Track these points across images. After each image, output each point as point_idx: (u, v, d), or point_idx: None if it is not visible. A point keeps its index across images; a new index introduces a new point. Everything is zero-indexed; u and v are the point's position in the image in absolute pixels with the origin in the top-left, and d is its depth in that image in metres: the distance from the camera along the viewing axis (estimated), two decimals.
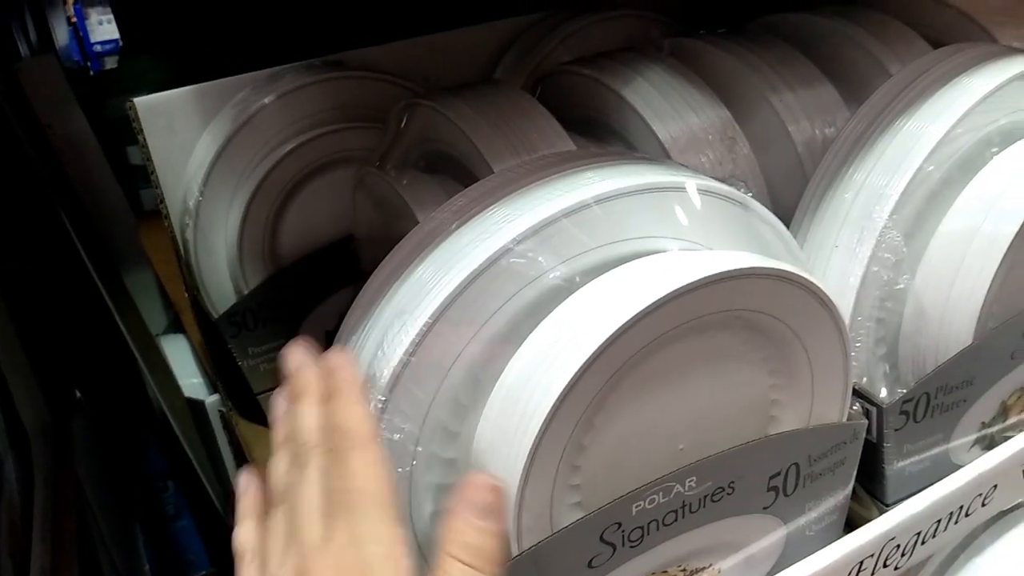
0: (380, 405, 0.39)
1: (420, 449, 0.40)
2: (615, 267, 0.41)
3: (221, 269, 0.65)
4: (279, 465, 0.36)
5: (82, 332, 0.98)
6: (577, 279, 0.41)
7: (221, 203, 0.64)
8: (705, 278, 0.38)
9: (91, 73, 0.91)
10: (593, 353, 0.36)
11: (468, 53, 0.75)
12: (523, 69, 0.74)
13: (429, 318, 0.39)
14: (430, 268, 0.42)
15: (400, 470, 0.40)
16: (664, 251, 0.43)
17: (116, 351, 0.92)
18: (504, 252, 0.41)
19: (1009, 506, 0.59)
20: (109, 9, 0.86)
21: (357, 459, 0.33)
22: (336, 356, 0.38)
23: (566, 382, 0.36)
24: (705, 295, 0.39)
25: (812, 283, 0.42)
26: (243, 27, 0.91)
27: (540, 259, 0.41)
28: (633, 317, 0.36)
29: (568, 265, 0.41)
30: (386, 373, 0.38)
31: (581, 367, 0.36)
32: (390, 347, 0.39)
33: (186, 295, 0.65)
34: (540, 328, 0.40)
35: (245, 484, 0.38)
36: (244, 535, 0.36)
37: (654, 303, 0.37)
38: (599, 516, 0.40)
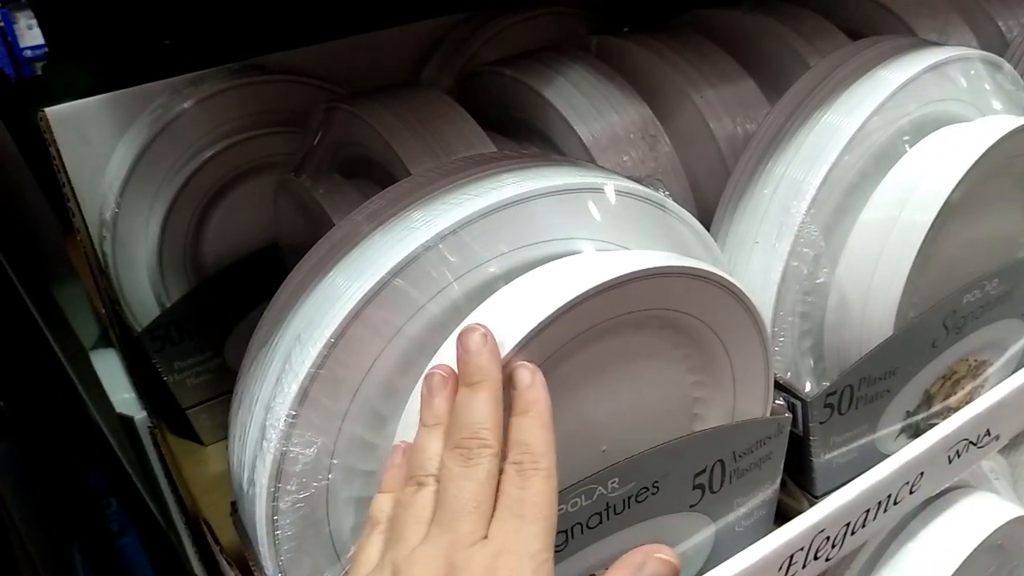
0: (290, 420, 0.38)
1: (336, 462, 0.39)
2: (531, 270, 0.41)
3: (142, 282, 0.64)
4: (432, 443, 0.35)
5: (8, 347, 0.95)
6: (493, 283, 0.40)
7: (139, 214, 0.62)
8: (615, 279, 0.37)
9: (12, 80, 0.88)
10: (502, 360, 0.36)
11: (394, 54, 0.74)
12: (450, 69, 0.73)
13: (338, 328, 0.38)
14: (342, 275, 0.41)
15: (316, 484, 0.39)
16: (580, 252, 0.42)
17: (48, 367, 0.90)
18: (418, 256, 0.40)
19: (937, 492, 0.60)
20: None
21: (540, 481, 0.34)
22: (536, 371, 0.36)
23: None
24: (617, 296, 0.38)
25: (727, 280, 0.42)
26: (169, 32, 0.89)
27: (455, 263, 0.40)
28: (540, 324, 0.36)
29: (484, 269, 0.41)
30: (294, 388, 0.37)
31: None
32: (298, 360, 0.38)
33: (103, 310, 0.63)
34: (453, 335, 0.39)
35: (399, 458, 0.37)
36: (382, 504, 0.36)
37: (562, 307, 0.36)
38: None
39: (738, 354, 0.45)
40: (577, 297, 0.37)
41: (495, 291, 0.40)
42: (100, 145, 0.63)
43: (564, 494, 0.40)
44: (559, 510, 0.40)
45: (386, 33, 0.74)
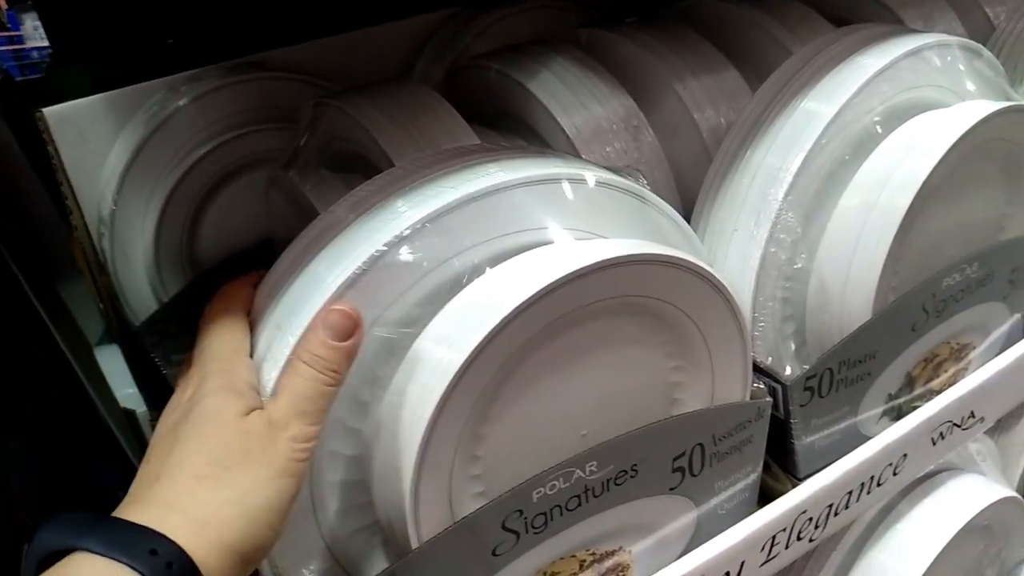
0: None
1: (319, 447, 0.40)
2: (509, 258, 0.42)
3: (140, 277, 0.65)
4: None
5: (15, 345, 0.96)
6: (472, 271, 0.41)
7: (136, 211, 0.63)
8: (589, 266, 0.38)
9: (16, 81, 0.90)
10: (476, 347, 0.37)
11: (387, 49, 0.75)
12: (441, 64, 0.74)
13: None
14: (324, 262, 0.42)
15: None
16: (558, 241, 0.43)
17: (54, 364, 0.91)
18: (399, 244, 0.41)
19: (921, 474, 0.60)
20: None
21: None
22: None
23: (451, 375, 0.37)
24: (592, 283, 0.39)
25: (701, 267, 0.42)
26: (172, 32, 0.90)
27: (435, 251, 0.41)
28: (515, 310, 0.37)
29: (463, 257, 0.42)
30: (273, 375, 0.38)
31: (466, 360, 0.37)
32: (278, 348, 0.39)
33: (101, 306, 0.65)
34: (432, 323, 0.40)
35: None
36: None
37: (536, 294, 0.37)
38: (499, 504, 0.40)
39: (715, 340, 0.46)
40: (551, 284, 0.38)
41: (474, 279, 0.41)
42: (98, 144, 0.64)
43: (543, 477, 0.41)
44: (537, 493, 0.41)
45: (379, 29, 0.74)
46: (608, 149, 0.56)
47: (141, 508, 0.34)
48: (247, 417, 0.37)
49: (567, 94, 0.57)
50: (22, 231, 0.94)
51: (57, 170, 0.62)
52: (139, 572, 0.31)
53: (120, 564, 0.31)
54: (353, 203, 0.44)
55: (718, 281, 0.43)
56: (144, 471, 0.36)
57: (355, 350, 0.38)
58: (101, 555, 0.31)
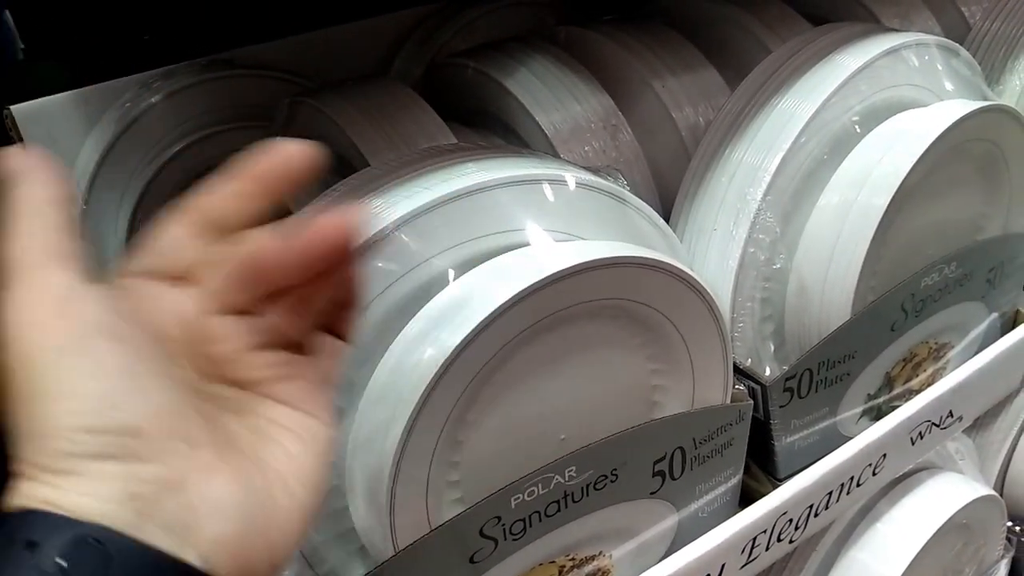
0: None
1: None
2: (486, 260, 0.41)
3: (111, 279, 0.64)
4: None
5: None
6: (448, 272, 0.41)
7: (108, 210, 0.62)
8: (566, 269, 0.38)
9: None
10: (453, 351, 0.36)
11: (365, 46, 0.74)
12: (420, 61, 0.73)
13: None
14: None
15: None
16: (536, 243, 0.42)
17: None
18: (375, 243, 0.40)
19: (900, 473, 0.60)
20: None
21: None
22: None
23: (428, 380, 0.36)
24: (569, 286, 0.39)
25: (680, 269, 0.42)
26: (147, 28, 0.89)
27: (412, 251, 0.41)
28: (492, 314, 0.36)
29: (441, 258, 0.41)
30: None
31: (443, 365, 0.36)
32: None
33: None
34: (408, 327, 0.39)
35: None
36: None
37: (514, 298, 0.37)
38: (476, 511, 0.40)
39: (695, 342, 0.46)
40: (530, 287, 0.37)
41: (451, 282, 0.40)
42: (68, 142, 0.63)
43: (521, 483, 0.41)
44: (516, 499, 0.41)
45: (356, 26, 0.74)
46: (587, 148, 0.55)
47: None
48: None
49: (545, 92, 0.57)
50: None
51: None
52: None
53: None
54: (328, 203, 0.43)
55: (698, 283, 0.43)
56: None
57: None
58: None
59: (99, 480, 0.22)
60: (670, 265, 0.41)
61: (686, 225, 0.53)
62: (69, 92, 0.63)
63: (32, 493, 0.22)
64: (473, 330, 0.37)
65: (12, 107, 0.61)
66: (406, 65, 0.75)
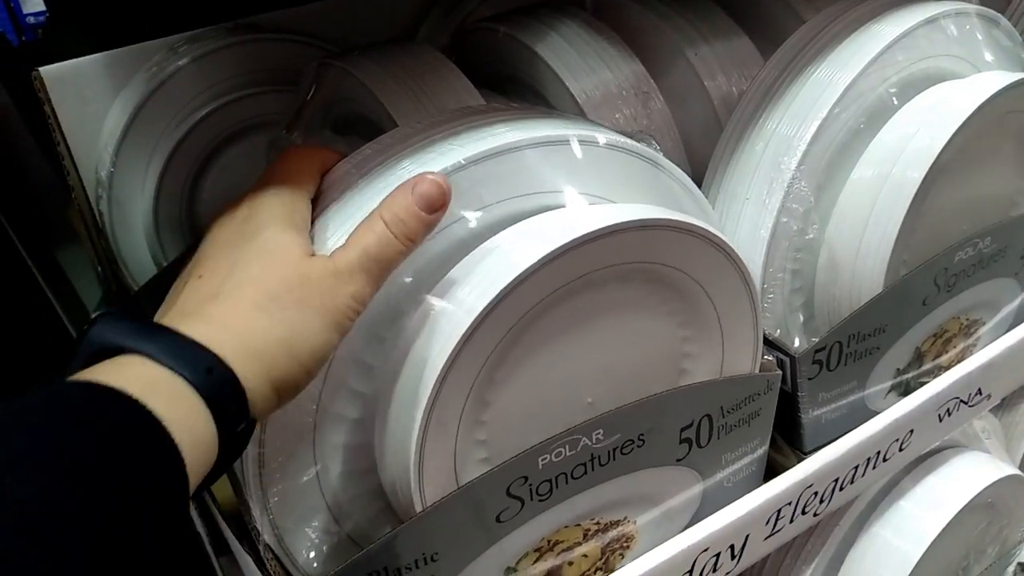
0: None
1: (321, 408, 0.40)
2: (518, 221, 0.41)
3: (139, 241, 0.64)
4: None
5: (12, 311, 0.95)
6: (480, 233, 0.40)
7: (135, 172, 0.62)
8: (597, 231, 0.37)
9: (15, 46, 0.88)
10: (484, 309, 0.36)
11: (390, 12, 0.73)
12: (446, 27, 0.72)
13: None
14: (332, 222, 0.41)
15: (302, 431, 0.40)
16: (569, 205, 0.42)
17: (51, 329, 0.90)
18: None
19: (926, 450, 0.60)
20: None
21: None
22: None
23: (458, 337, 0.36)
24: (600, 248, 0.38)
25: (713, 234, 0.42)
26: None
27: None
28: (522, 274, 0.36)
29: (471, 218, 0.41)
30: None
31: (473, 322, 0.36)
32: None
33: (99, 270, 0.64)
34: (440, 284, 0.39)
35: None
36: None
37: (544, 258, 0.37)
38: (504, 470, 0.40)
39: (726, 309, 0.45)
40: (560, 247, 0.37)
41: (481, 241, 0.40)
42: (96, 104, 0.63)
43: (548, 443, 0.41)
44: (543, 459, 0.41)
45: None
46: (617, 115, 0.55)
47: (197, 323, 0.33)
48: (311, 260, 0.36)
49: (576, 58, 0.56)
50: (19, 196, 0.93)
51: (54, 130, 0.61)
52: (194, 388, 0.31)
53: (176, 376, 0.30)
54: (359, 162, 0.43)
55: (732, 250, 0.42)
56: (198, 285, 0.36)
57: (435, 224, 0.37)
58: (159, 363, 0.30)
59: (252, 355, 0.33)
60: (704, 229, 0.41)
61: (718, 193, 0.52)
62: (97, 55, 0.63)
63: (212, 336, 0.32)
64: (503, 290, 0.37)
65: (41, 68, 0.61)
66: (431, 32, 0.74)
